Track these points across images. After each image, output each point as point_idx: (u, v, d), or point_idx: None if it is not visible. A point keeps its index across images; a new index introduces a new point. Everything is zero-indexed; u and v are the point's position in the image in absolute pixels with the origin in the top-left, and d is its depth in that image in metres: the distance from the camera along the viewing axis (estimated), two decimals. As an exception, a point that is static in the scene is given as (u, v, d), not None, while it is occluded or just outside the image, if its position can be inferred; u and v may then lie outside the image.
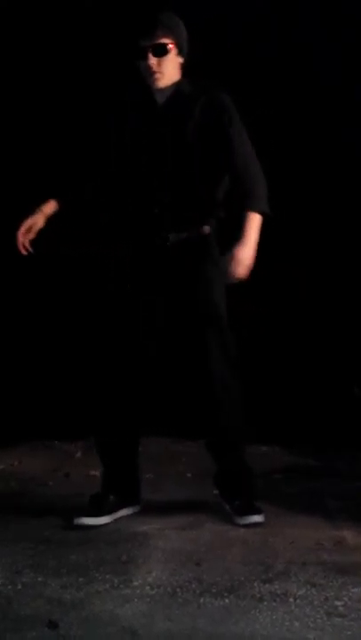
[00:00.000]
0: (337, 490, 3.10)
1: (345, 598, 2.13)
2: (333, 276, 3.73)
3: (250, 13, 3.47)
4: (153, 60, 2.73)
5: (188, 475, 3.33)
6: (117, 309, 2.80)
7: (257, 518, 2.73)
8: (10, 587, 2.21)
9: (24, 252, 2.81)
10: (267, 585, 2.21)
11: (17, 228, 2.78)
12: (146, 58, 2.73)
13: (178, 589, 2.18)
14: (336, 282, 3.75)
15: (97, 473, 3.21)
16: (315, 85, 3.65)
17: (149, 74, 2.75)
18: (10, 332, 3.91)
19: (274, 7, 3.60)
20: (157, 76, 2.75)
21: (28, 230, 2.81)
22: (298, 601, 2.11)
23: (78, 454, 3.63)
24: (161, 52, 2.74)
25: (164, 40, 2.73)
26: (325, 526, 2.71)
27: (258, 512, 2.75)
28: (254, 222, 2.65)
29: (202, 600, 2.12)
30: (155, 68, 2.74)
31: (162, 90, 2.79)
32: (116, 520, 2.78)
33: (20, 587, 2.21)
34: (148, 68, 2.74)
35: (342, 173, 3.69)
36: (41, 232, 2.81)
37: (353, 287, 3.73)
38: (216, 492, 3.03)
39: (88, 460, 3.49)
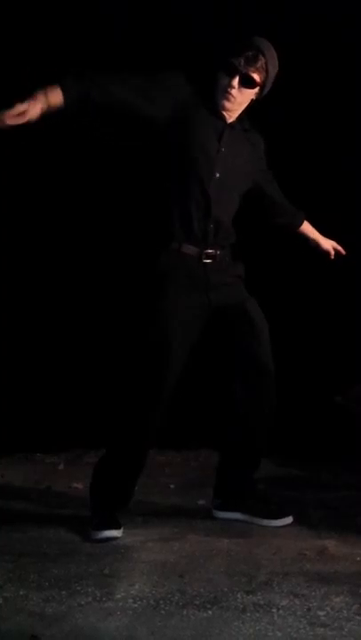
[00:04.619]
0: (320, 499, 3.10)
1: (327, 608, 2.14)
2: (319, 285, 3.72)
3: (250, 13, 3.48)
4: (235, 88, 2.66)
5: (172, 486, 3.32)
6: (166, 323, 2.66)
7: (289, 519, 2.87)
8: (-9, 601, 2.20)
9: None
10: (250, 596, 2.21)
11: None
12: (231, 79, 2.65)
13: (161, 602, 2.18)
14: (319, 290, 3.75)
15: (79, 485, 3.21)
16: (315, 85, 3.68)
17: (225, 94, 2.67)
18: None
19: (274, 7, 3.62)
20: (231, 101, 2.68)
21: (19, 114, 2.37)
22: (281, 611, 2.12)
23: (61, 467, 3.61)
24: (248, 84, 2.66)
25: (256, 76, 2.66)
26: (308, 536, 2.71)
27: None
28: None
29: (185, 612, 2.12)
30: (234, 94, 2.66)
31: (226, 113, 2.73)
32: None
33: (1, 601, 2.19)
34: (227, 89, 2.66)
35: (342, 173, 3.71)
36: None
37: (335, 296, 3.73)
38: (202, 502, 3.02)
39: (71, 472, 3.48)
